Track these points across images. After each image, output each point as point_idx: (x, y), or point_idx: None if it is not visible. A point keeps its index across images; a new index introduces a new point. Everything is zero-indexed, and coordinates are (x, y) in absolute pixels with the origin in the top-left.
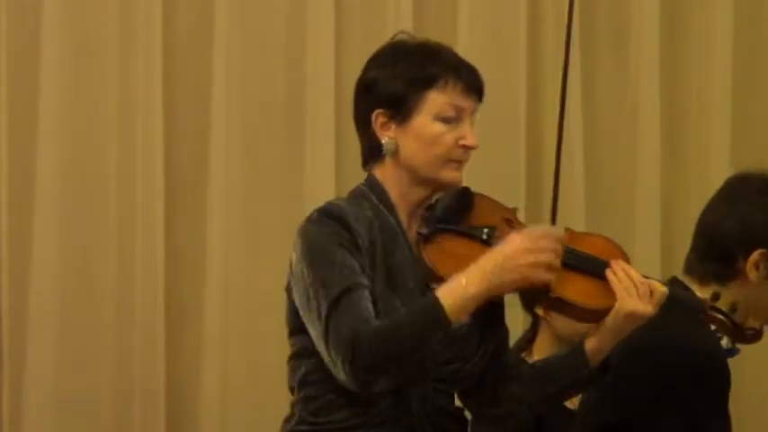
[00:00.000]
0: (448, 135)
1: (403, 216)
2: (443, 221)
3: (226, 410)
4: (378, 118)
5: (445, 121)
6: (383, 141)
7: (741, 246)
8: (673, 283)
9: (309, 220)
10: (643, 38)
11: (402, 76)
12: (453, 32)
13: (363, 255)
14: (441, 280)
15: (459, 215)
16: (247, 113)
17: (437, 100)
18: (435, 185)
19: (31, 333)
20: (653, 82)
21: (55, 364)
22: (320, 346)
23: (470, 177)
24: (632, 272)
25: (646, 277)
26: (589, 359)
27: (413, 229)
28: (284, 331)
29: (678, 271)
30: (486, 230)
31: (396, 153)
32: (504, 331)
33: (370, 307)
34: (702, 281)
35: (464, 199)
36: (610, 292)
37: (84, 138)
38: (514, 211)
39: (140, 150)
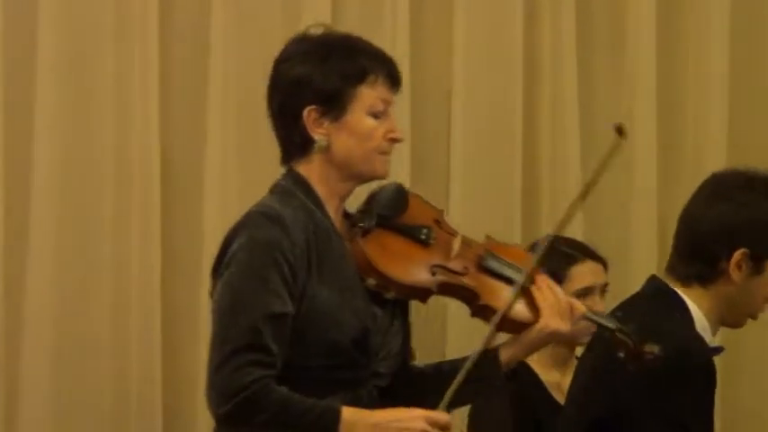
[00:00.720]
0: (379, 129)
1: (331, 212)
2: (383, 217)
3: None
4: (310, 114)
5: (375, 115)
6: (316, 138)
7: (723, 246)
8: (651, 280)
9: (250, 220)
10: (640, 40)
11: (336, 71)
12: (449, 32)
13: (298, 263)
14: (377, 274)
15: (396, 212)
16: (243, 113)
17: (369, 95)
18: (366, 179)
19: (27, 334)
20: (649, 85)
21: (51, 364)
22: (212, 354)
23: (468, 176)
24: (555, 288)
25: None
26: (502, 369)
27: (339, 224)
28: None
29: None
30: (424, 231)
31: (327, 149)
32: (410, 331)
33: (280, 345)
34: (685, 283)
35: (401, 196)
36: (533, 307)
37: (81, 138)
38: (442, 212)
39: (137, 151)
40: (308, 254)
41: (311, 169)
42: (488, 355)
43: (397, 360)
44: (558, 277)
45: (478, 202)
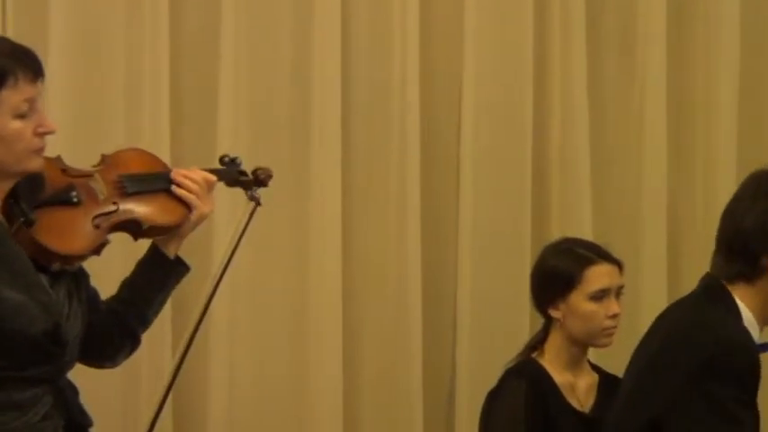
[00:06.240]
0: (27, 129)
1: None
2: (34, 200)
3: (233, 410)
4: None
5: (22, 116)
6: None
7: (763, 242)
8: (704, 277)
9: None
10: (650, 42)
11: None
12: (459, 28)
13: None
14: (60, 257)
15: (39, 188)
16: (254, 117)
17: (11, 99)
18: (22, 176)
19: None
20: (660, 86)
21: None
22: None
23: (478, 170)
24: (193, 174)
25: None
26: (175, 262)
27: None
28: (291, 330)
29: (684, 276)
30: (73, 192)
31: None
32: (93, 291)
33: None
34: (730, 281)
35: (34, 173)
36: (183, 203)
37: (91, 143)
38: (60, 158)
39: (146, 146)
40: None
41: None
42: (157, 260)
43: (77, 344)
44: (574, 279)
45: (489, 196)
